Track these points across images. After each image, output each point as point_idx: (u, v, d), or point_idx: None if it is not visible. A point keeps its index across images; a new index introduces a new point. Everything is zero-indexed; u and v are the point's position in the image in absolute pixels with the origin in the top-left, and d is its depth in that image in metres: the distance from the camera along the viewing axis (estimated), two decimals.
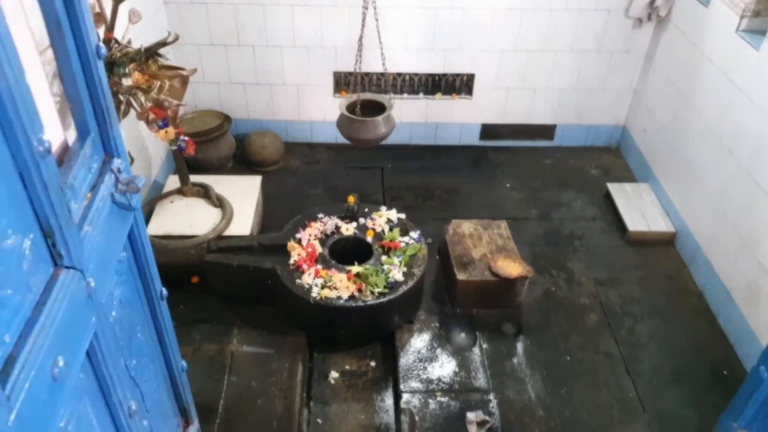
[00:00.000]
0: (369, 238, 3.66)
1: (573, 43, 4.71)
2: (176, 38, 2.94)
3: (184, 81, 3.08)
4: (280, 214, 4.27)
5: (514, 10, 4.54)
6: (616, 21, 4.60)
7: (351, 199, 3.78)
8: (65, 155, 1.19)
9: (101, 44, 1.27)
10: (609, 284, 3.96)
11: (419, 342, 3.52)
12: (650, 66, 4.72)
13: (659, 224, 4.30)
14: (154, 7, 4.23)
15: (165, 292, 1.64)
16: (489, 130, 5.16)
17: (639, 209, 4.43)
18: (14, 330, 0.92)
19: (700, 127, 4.00)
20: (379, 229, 3.72)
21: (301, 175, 4.86)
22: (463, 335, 3.59)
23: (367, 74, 4.87)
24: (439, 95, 4.97)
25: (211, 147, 4.54)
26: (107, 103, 1.26)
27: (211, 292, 3.67)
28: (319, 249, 3.55)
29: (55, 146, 1.20)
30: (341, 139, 4.16)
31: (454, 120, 5.10)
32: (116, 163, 1.28)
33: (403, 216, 3.83)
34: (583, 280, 3.99)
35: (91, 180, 1.20)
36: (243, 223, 3.79)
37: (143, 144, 4.02)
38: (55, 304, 1.00)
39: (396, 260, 3.49)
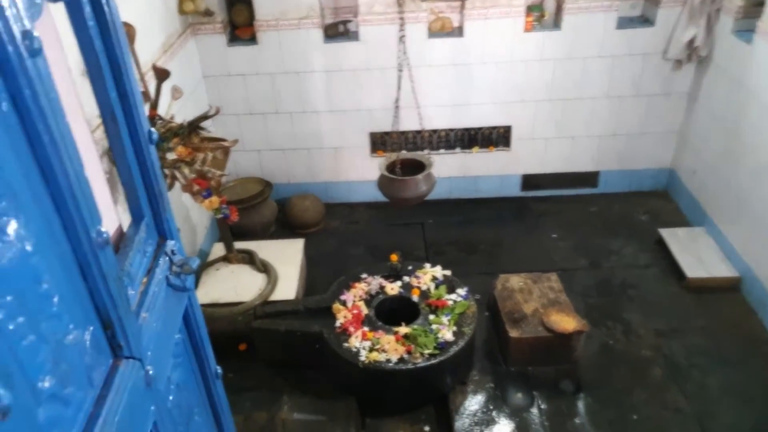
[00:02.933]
0: (415, 297, 3.59)
1: (609, 90, 4.67)
2: (217, 111, 3.05)
3: (226, 152, 3.16)
4: (323, 276, 4.25)
5: (546, 61, 4.55)
6: (653, 64, 4.56)
7: (394, 257, 3.74)
8: (121, 241, 1.20)
9: (153, 129, 1.29)
10: (670, 335, 3.74)
11: (474, 404, 3.36)
12: (694, 106, 4.62)
13: (720, 269, 4.08)
14: (194, 81, 4.43)
15: (219, 370, 1.60)
16: (530, 180, 5.10)
17: (695, 254, 4.22)
18: (78, 427, 0.89)
19: (753, 164, 3.85)
20: (424, 287, 3.65)
21: (342, 236, 4.86)
22: (519, 395, 3.41)
23: (403, 133, 4.92)
24: (476, 148, 4.96)
25: (254, 213, 4.61)
26: (160, 186, 1.28)
27: (259, 358, 3.63)
28: (364, 310, 3.49)
29: (111, 232, 1.21)
30: (380, 198, 4.17)
31: (492, 172, 5.07)
32: (170, 245, 1.29)
33: (448, 272, 3.75)
34: (641, 332, 3.78)
35: (146, 265, 1.20)
36: (288, 287, 3.78)
37: (187, 214, 4.11)
38: (116, 397, 0.97)
39: (445, 319, 3.39)
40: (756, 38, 3.80)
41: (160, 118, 3.03)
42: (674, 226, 4.62)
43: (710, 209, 4.43)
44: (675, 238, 4.40)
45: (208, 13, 4.28)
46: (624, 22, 4.51)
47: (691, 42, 4.33)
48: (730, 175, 4.12)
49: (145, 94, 2.97)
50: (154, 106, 2.98)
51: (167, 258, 1.26)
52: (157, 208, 1.27)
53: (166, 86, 3.08)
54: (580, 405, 3.34)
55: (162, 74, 2.86)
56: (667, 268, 4.27)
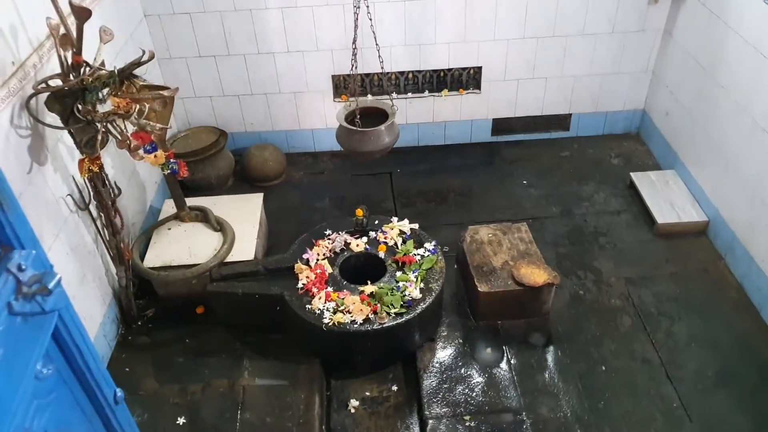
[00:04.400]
0: (381, 254, 3.42)
1: (584, 27, 4.41)
2: (152, 57, 2.71)
3: (167, 102, 2.84)
4: (285, 232, 4.04)
5: None
6: None
7: (360, 212, 3.54)
8: None
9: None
10: (641, 283, 3.68)
11: (443, 361, 3.27)
12: (668, 44, 4.41)
13: (690, 214, 4.01)
14: (134, 21, 4.00)
15: (120, 393, 1.36)
16: (501, 125, 4.88)
17: (667, 199, 4.13)
18: None
19: (729, 106, 3.70)
20: (391, 243, 3.48)
21: (306, 188, 4.62)
22: (489, 350, 3.34)
23: (367, 75, 4.61)
24: (445, 92, 4.70)
25: (209, 165, 4.31)
26: None
27: (217, 322, 3.46)
28: (328, 269, 3.32)
29: None
30: None
31: (463, 117, 4.83)
32: (17, 258, 1.00)
33: (416, 226, 3.58)
34: (612, 280, 3.72)
35: None
36: (246, 247, 3.56)
37: (133, 169, 3.80)
38: None
39: (412, 276, 3.25)
40: None
41: (88, 65, 2.68)
42: (646, 169, 4.52)
43: (682, 152, 4.32)
44: (646, 182, 4.30)
45: None
46: None
47: None
48: (704, 117, 3.98)
49: (67, 38, 2.60)
50: (78, 51, 2.63)
51: (11, 277, 0.99)
52: None
53: (92, 29, 2.72)
54: (550, 358, 3.28)
55: (81, 13, 2.50)
56: (639, 213, 4.19)
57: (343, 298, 3.13)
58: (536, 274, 3.32)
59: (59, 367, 1.12)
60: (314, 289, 3.18)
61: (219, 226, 3.62)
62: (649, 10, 4.35)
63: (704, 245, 3.93)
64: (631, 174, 4.38)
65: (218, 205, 3.80)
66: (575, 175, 4.59)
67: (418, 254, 3.40)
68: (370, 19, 3.34)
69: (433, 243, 3.46)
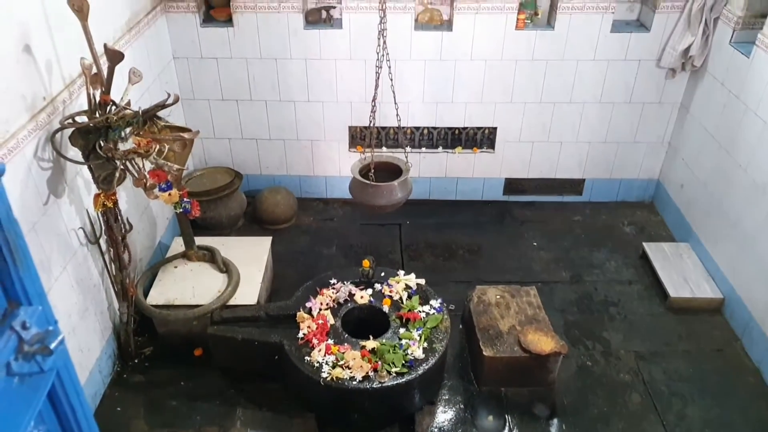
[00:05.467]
0: (386, 308, 3.37)
1: (601, 95, 4.46)
2: (176, 100, 2.76)
3: (186, 144, 2.88)
4: (291, 277, 4.01)
5: (537, 61, 4.33)
6: (648, 71, 4.36)
7: (366, 263, 3.50)
8: None
9: (3, 164, 0.97)
10: (651, 358, 3.57)
11: (442, 426, 3.16)
12: (686, 118, 4.44)
13: (704, 290, 3.93)
14: (163, 62, 4.12)
15: None
16: (513, 185, 4.89)
17: (680, 272, 4.06)
18: None
19: (747, 185, 3.68)
20: (396, 297, 3.42)
21: (315, 233, 4.61)
22: (490, 418, 3.22)
23: (383, 128, 4.67)
24: (459, 149, 4.73)
25: (221, 205, 4.33)
26: (13, 228, 0.96)
27: (215, 366, 3.39)
28: (331, 320, 3.26)
29: None
30: None
31: (476, 174, 4.85)
32: (22, 315, 0.96)
33: (422, 281, 3.53)
34: (621, 353, 3.61)
35: None
36: (250, 291, 3.52)
37: (147, 205, 3.82)
38: None
39: (415, 334, 3.18)
40: (756, 51, 3.61)
41: (114, 104, 2.74)
42: (659, 240, 4.46)
43: (696, 225, 4.27)
44: (659, 254, 4.23)
45: None
46: (620, 26, 4.30)
47: (686, 50, 4.14)
48: (721, 192, 3.95)
49: (97, 77, 2.67)
50: (107, 90, 2.69)
51: (14, 335, 0.95)
52: (5, 263, 0.96)
53: (122, 69, 2.79)
54: None
55: (114, 56, 2.57)
56: (651, 285, 4.11)
57: (343, 353, 3.06)
58: (543, 342, 3.24)
59: (50, 428, 1.07)
60: (314, 341, 3.11)
61: (225, 267, 3.60)
62: (666, 83, 4.41)
63: (719, 324, 3.82)
64: (644, 244, 4.33)
65: (226, 245, 3.79)
66: (587, 240, 4.55)
67: (424, 311, 3.33)
68: (391, 79, 3.40)
69: (440, 301, 3.40)
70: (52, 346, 0.93)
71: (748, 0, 3.74)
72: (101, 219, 3.04)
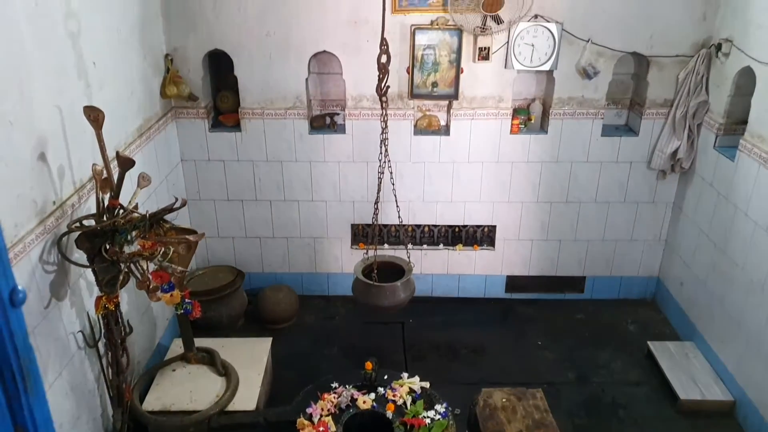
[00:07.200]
0: (389, 413, 3.26)
1: (597, 195, 4.60)
2: (184, 204, 2.84)
3: (192, 246, 2.93)
4: (291, 380, 3.92)
5: (533, 163, 4.50)
6: (640, 172, 4.52)
7: (369, 366, 3.44)
8: None
9: (19, 287, 1.00)
10: None
11: None
12: (679, 217, 4.55)
13: (714, 392, 3.83)
14: (171, 164, 4.26)
15: None
16: (515, 282, 4.90)
17: (688, 373, 3.98)
18: None
19: (745, 283, 3.70)
20: (400, 402, 3.32)
21: (316, 333, 4.55)
22: None
23: (385, 226, 4.76)
24: (460, 246, 4.80)
25: (222, 305, 4.31)
26: (28, 355, 0.97)
27: None
28: (332, 427, 3.14)
29: None
30: None
31: (477, 271, 4.88)
32: None
33: (427, 384, 3.45)
34: None
35: None
36: (249, 395, 3.43)
37: (148, 305, 3.81)
38: None
39: None
40: (740, 155, 3.77)
41: (122, 208, 2.81)
42: (663, 338, 4.41)
43: (700, 324, 4.24)
44: (665, 353, 4.17)
45: (191, 98, 4.20)
46: (609, 130, 4.51)
47: (674, 153, 4.31)
48: (721, 291, 3.96)
49: (107, 181, 2.77)
50: (116, 195, 2.77)
51: None
52: (16, 389, 0.96)
53: (132, 174, 2.89)
54: None
55: (125, 163, 2.68)
56: (659, 387, 4.00)
57: None
58: None
59: None
60: None
61: (224, 370, 3.52)
62: (658, 183, 4.56)
63: (733, 427, 3.69)
64: (649, 343, 4.27)
65: (226, 347, 3.73)
66: (590, 339, 4.49)
67: (428, 417, 3.22)
68: (393, 183, 3.53)
69: (445, 405, 3.30)
70: None
71: (728, 108, 3.95)
72: (101, 322, 3.02)
